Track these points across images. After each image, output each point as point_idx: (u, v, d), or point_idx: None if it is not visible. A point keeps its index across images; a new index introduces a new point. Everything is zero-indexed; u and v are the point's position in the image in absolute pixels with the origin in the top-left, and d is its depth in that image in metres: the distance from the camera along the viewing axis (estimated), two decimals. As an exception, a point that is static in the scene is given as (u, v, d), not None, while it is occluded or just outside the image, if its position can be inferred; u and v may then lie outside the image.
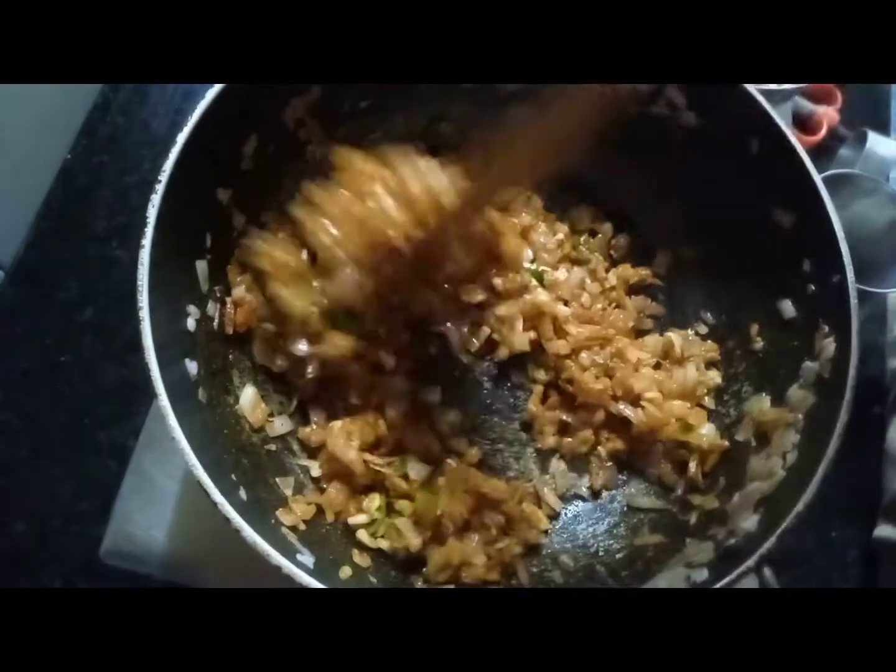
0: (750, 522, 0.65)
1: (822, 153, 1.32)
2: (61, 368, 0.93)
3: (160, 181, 0.63)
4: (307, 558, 0.61)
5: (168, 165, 0.63)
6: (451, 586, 0.68)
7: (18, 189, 1.01)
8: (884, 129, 1.34)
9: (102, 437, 0.90)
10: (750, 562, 0.58)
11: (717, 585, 0.58)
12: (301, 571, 0.54)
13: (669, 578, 0.65)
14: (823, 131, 1.32)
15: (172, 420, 0.56)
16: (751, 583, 0.73)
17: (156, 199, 0.62)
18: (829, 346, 0.68)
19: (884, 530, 0.81)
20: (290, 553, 0.57)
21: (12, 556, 0.85)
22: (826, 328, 0.69)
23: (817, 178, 0.70)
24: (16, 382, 0.92)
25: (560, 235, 0.86)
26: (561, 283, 0.83)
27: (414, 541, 0.70)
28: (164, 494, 0.80)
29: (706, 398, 0.80)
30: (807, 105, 1.34)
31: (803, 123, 1.34)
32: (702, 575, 0.62)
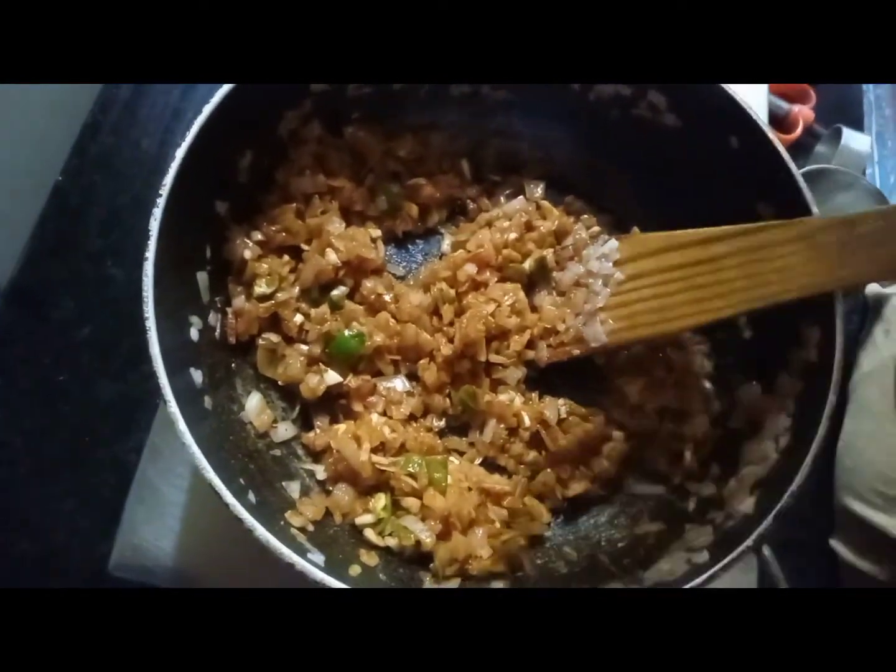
0: (746, 505, 0.67)
1: (799, 150, 1.36)
2: (60, 387, 0.94)
3: (161, 195, 0.64)
4: (317, 557, 0.62)
5: (168, 179, 0.65)
6: (458, 581, 0.70)
7: (12, 211, 1.02)
8: (857, 125, 1.38)
9: (102, 453, 0.91)
10: (749, 541, 0.60)
11: (718, 566, 0.59)
12: (314, 568, 0.56)
13: (671, 563, 0.67)
14: (799, 129, 1.35)
15: (182, 425, 0.57)
16: (750, 581, 0.75)
17: (157, 212, 0.64)
18: (814, 332, 0.71)
19: (842, 500, 0.82)
20: (301, 552, 0.58)
21: (16, 573, 0.86)
22: (811, 315, 0.72)
23: (796, 171, 0.73)
24: (15, 402, 0.93)
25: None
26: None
27: (427, 539, 0.71)
28: (170, 505, 0.80)
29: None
30: (782, 104, 1.38)
31: (780, 122, 1.37)
32: (702, 557, 0.64)
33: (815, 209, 0.72)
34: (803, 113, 1.35)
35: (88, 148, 1.09)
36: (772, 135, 0.74)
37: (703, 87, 0.76)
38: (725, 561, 0.59)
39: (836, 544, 0.81)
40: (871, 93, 1.48)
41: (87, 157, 1.08)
